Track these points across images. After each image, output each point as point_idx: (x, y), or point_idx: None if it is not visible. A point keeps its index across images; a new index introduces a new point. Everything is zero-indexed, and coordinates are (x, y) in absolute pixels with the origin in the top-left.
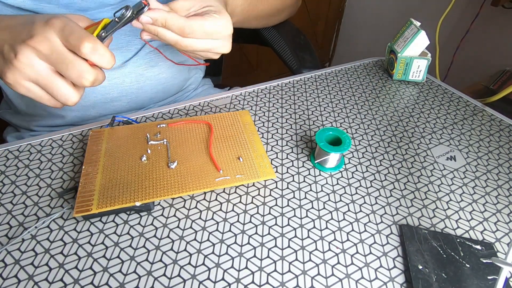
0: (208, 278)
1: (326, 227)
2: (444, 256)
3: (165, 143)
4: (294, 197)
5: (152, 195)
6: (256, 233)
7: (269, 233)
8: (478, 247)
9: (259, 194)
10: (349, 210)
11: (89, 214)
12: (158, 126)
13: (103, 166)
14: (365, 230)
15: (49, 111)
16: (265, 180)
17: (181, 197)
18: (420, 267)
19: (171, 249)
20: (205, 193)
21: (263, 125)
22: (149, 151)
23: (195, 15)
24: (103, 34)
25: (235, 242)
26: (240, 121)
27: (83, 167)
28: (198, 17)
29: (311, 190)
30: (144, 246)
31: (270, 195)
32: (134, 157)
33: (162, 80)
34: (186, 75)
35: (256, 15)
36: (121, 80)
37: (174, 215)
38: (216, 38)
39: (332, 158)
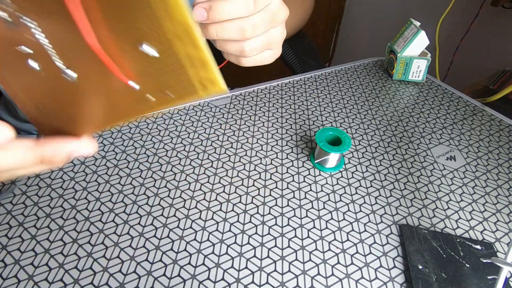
0: (208, 278)
1: (326, 227)
2: (444, 256)
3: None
4: (294, 197)
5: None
6: (256, 233)
7: (269, 233)
8: (478, 247)
9: (259, 194)
10: (349, 210)
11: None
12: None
13: None
14: (365, 230)
15: None
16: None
17: (181, 197)
18: (420, 267)
19: (171, 249)
20: (205, 193)
21: (263, 125)
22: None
23: None
24: None
25: (235, 242)
26: None
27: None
28: None
29: (311, 190)
30: (144, 246)
31: (270, 195)
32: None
33: None
34: None
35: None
36: None
37: (174, 215)
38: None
39: (332, 158)
